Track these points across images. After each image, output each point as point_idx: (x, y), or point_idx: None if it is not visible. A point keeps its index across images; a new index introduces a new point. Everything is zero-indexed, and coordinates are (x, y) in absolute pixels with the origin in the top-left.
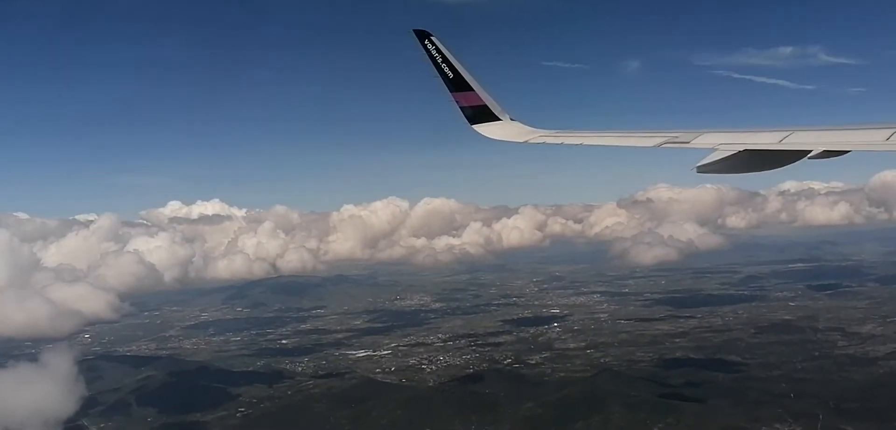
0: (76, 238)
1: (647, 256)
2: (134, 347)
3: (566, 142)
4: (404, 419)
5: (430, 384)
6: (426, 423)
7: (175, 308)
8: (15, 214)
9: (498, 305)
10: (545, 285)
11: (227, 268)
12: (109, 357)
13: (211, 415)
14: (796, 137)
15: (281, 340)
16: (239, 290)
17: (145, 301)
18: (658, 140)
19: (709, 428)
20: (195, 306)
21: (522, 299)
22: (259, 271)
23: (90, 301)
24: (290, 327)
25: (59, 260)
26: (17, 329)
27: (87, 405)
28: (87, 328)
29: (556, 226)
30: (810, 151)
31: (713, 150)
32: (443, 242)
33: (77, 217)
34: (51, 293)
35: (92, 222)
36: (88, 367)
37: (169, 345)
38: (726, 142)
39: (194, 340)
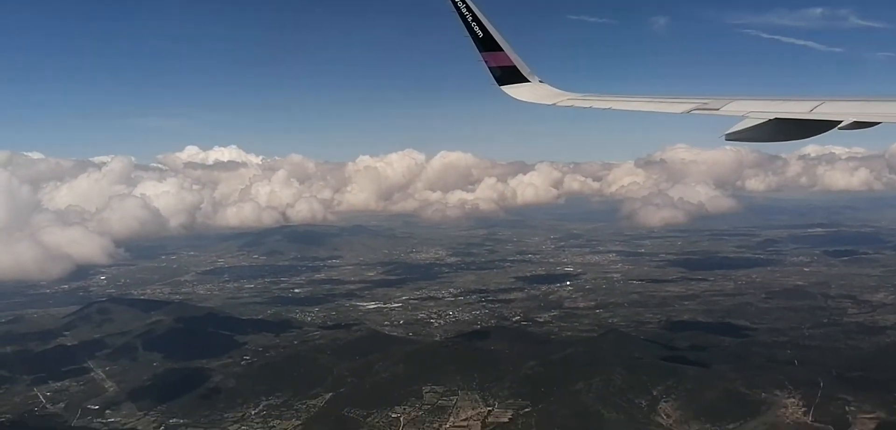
0: (87, 180)
1: (656, 217)
2: (148, 290)
3: (595, 106)
4: (405, 374)
5: (436, 339)
6: (427, 378)
7: (192, 253)
8: (29, 153)
9: (513, 261)
10: (562, 243)
11: (236, 215)
12: (121, 300)
13: (216, 362)
14: (827, 107)
15: (294, 289)
16: (256, 237)
17: (164, 245)
18: (687, 106)
19: (707, 393)
20: (212, 252)
21: (538, 256)
22: (269, 219)
23: (84, 246)
24: (305, 276)
25: (70, 202)
26: (3, 273)
27: (94, 348)
28: (103, 270)
29: (575, 183)
30: (841, 122)
31: (743, 117)
32: (456, 196)
33: (93, 159)
34: (46, 236)
35: (106, 163)
36: (99, 309)
37: (182, 290)
38: (756, 110)
39: (208, 286)
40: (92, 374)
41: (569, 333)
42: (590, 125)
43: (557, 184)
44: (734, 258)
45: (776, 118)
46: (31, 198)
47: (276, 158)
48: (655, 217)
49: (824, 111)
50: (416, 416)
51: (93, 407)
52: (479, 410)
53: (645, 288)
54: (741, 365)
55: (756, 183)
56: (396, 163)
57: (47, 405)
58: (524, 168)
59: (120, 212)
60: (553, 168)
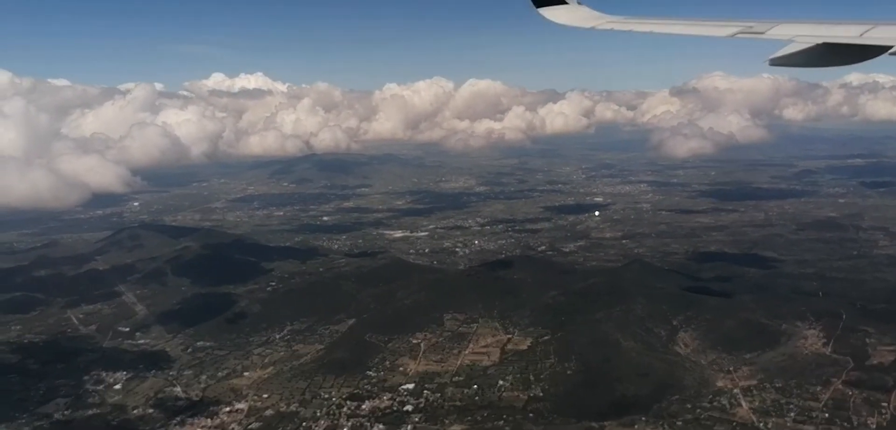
0: (112, 107)
1: (683, 148)
2: (179, 217)
3: (635, 29)
4: (427, 301)
5: (460, 268)
6: (448, 306)
7: (223, 181)
8: (53, 80)
9: (542, 190)
10: (593, 173)
11: (259, 144)
12: (151, 226)
13: (242, 287)
14: (879, 31)
15: (322, 217)
16: (287, 165)
17: (195, 173)
18: (732, 30)
19: (727, 323)
20: (242, 180)
21: (568, 186)
22: (292, 148)
23: (100, 174)
24: (333, 204)
25: (95, 129)
26: (19, 200)
27: (125, 272)
28: (136, 196)
29: (608, 112)
30: (892, 47)
31: (789, 41)
32: (484, 125)
33: (120, 86)
34: (64, 165)
35: (131, 91)
36: (130, 235)
37: (213, 217)
38: (803, 34)
39: (238, 213)
40: (123, 297)
41: (593, 263)
42: (625, 52)
43: (588, 113)
44: (768, 189)
45: (824, 43)
46: (50, 126)
47: (304, 86)
48: (683, 148)
49: (875, 36)
50: (437, 342)
51: (123, 329)
52: (498, 337)
53: (674, 218)
54: (764, 296)
55: (794, 112)
56: (424, 91)
57: (80, 327)
58: (555, 97)
59: (140, 140)
60: (584, 97)
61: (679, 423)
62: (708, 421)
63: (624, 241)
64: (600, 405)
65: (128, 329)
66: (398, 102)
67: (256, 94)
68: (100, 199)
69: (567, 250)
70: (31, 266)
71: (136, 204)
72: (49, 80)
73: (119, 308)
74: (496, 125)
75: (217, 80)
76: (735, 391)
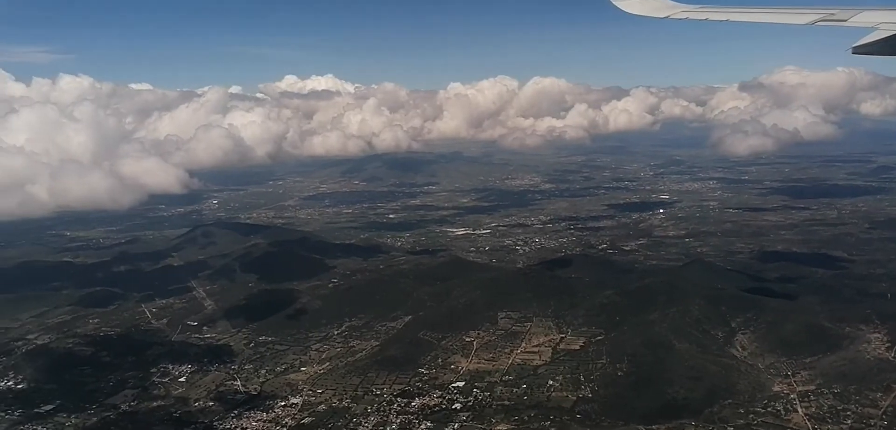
0: (187, 110)
1: (742, 146)
2: (254, 214)
3: (711, 18)
4: (481, 300)
5: (519, 266)
6: (503, 304)
7: (297, 179)
8: (136, 85)
9: (607, 188)
10: (661, 170)
11: (321, 144)
12: (225, 224)
13: (305, 284)
14: None
15: (389, 214)
16: (358, 164)
17: (271, 171)
18: (812, 17)
19: (787, 326)
20: (315, 178)
21: (634, 184)
22: (354, 148)
23: (158, 175)
24: (401, 201)
25: (169, 131)
26: (77, 201)
27: (198, 268)
28: (215, 193)
29: (676, 108)
30: None
31: (873, 29)
32: (546, 123)
33: (198, 90)
34: (123, 167)
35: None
36: (204, 232)
37: (285, 214)
38: (888, 20)
39: (309, 211)
40: (194, 293)
41: (654, 262)
42: (693, 48)
43: (653, 109)
44: (842, 186)
45: None
46: (119, 129)
47: (373, 86)
48: (743, 145)
49: None
50: (489, 340)
51: (192, 323)
52: (551, 337)
53: (740, 217)
54: (829, 298)
55: (871, 107)
56: (488, 90)
57: (152, 321)
58: (619, 94)
59: (205, 142)
60: (649, 93)
61: (730, 428)
62: (760, 427)
63: (687, 239)
64: (650, 407)
65: (196, 323)
66: (462, 102)
67: (325, 95)
68: (181, 197)
69: (628, 248)
70: (112, 262)
71: (214, 202)
72: (131, 85)
73: (189, 303)
74: (558, 123)
75: (289, 82)
76: (791, 396)
